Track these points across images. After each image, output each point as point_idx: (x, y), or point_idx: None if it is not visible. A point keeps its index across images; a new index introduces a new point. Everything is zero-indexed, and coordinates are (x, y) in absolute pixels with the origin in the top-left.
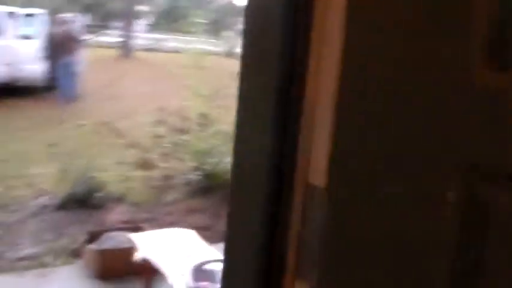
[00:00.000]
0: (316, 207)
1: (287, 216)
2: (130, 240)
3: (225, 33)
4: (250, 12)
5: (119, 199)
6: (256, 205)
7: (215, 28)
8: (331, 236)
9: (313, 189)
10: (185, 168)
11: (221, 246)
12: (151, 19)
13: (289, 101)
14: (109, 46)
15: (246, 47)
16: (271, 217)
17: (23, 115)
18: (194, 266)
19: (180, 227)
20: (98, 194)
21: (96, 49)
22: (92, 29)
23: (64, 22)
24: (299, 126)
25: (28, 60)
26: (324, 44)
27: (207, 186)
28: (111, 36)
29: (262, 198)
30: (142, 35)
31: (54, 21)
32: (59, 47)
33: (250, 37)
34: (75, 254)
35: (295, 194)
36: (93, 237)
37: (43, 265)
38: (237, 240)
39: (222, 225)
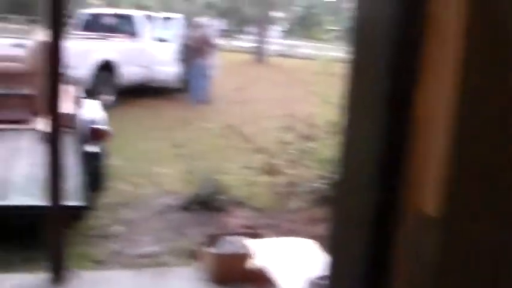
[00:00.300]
0: (428, 239)
1: (394, 248)
2: (248, 246)
3: None
4: (359, 22)
5: (242, 203)
6: (359, 238)
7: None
8: (445, 274)
9: (425, 218)
10: (310, 176)
11: None
12: (285, 25)
13: (400, 120)
14: (243, 51)
15: (355, 61)
16: (376, 250)
17: (154, 115)
18: (311, 279)
19: (301, 235)
20: (221, 197)
21: (230, 53)
22: (226, 33)
23: (200, 26)
24: (411, 147)
25: (163, 62)
26: (437, 61)
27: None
28: (246, 41)
29: (367, 228)
30: (276, 41)
31: (190, 25)
32: (194, 50)
33: (359, 49)
34: (194, 255)
35: (403, 223)
36: (212, 240)
37: (161, 264)
38: (341, 268)
39: None
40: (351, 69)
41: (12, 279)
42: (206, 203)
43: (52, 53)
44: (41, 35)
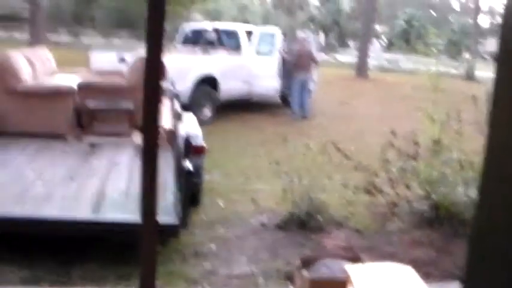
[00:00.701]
0: None
1: None
2: (345, 271)
3: (464, 55)
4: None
5: (340, 223)
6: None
7: (453, 49)
8: None
9: None
10: (412, 196)
11: (441, 285)
12: (387, 39)
13: None
14: (344, 65)
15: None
16: None
17: (254, 130)
18: None
19: (401, 259)
20: (319, 217)
21: (331, 68)
22: (328, 47)
23: (301, 40)
24: None
25: (264, 77)
26: None
27: (434, 217)
28: (347, 56)
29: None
30: (377, 55)
31: (291, 40)
32: (295, 65)
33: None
34: (288, 277)
35: None
36: (308, 262)
37: (255, 285)
38: None
39: (447, 262)
40: (498, 86)
41: None
42: (303, 222)
43: (150, 68)
44: (142, 50)
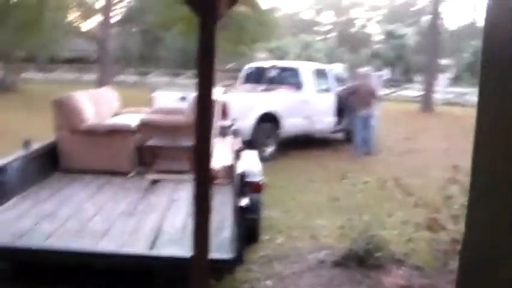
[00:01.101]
0: None
1: None
2: None
3: None
4: None
5: (400, 261)
6: None
7: None
8: None
9: None
10: None
11: None
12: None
13: None
14: (409, 100)
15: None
16: None
17: (315, 167)
18: None
19: None
20: (378, 254)
21: (396, 103)
22: (393, 82)
23: (363, 76)
24: None
25: (326, 113)
26: None
27: None
28: (412, 90)
29: None
30: (443, 89)
31: (354, 76)
32: (358, 101)
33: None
34: None
35: None
36: None
37: None
38: None
39: None
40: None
41: None
42: (362, 260)
43: (201, 107)
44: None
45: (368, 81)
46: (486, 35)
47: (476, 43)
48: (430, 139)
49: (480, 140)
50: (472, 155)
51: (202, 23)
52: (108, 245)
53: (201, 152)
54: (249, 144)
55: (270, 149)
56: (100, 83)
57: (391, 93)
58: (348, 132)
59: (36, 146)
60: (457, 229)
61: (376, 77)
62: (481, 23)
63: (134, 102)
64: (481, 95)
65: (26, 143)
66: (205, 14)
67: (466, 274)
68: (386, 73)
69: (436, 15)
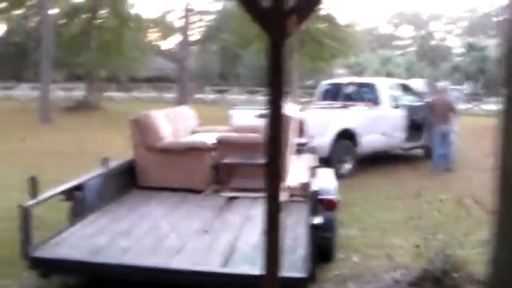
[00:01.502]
0: None
1: None
2: None
3: None
4: None
5: (478, 282)
6: None
7: None
8: None
9: None
10: None
11: None
12: None
13: None
14: (491, 114)
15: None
16: None
17: (393, 184)
18: None
19: None
20: (455, 274)
21: (477, 117)
22: (474, 96)
23: (442, 90)
24: None
25: (404, 129)
26: None
27: None
28: (494, 104)
29: None
30: None
31: (432, 90)
32: (436, 116)
33: None
34: None
35: None
36: None
37: None
38: None
39: None
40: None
41: None
42: (438, 280)
43: (272, 124)
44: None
45: (446, 96)
46: None
47: None
48: None
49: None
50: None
51: (271, 42)
52: (182, 262)
53: (272, 170)
54: (326, 161)
55: (347, 166)
56: (179, 101)
57: (473, 107)
58: (427, 148)
59: (114, 163)
60: None
61: (456, 91)
62: None
63: (212, 120)
64: None
65: (104, 161)
66: (273, 33)
67: None
68: (466, 87)
69: None
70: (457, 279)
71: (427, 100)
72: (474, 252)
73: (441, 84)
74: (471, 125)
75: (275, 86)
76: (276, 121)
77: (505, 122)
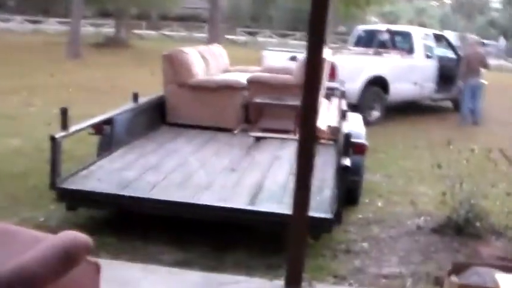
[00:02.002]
0: None
1: None
2: (496, 281)
3: None
4: None
5: (499, 233)
6: None
7: None
8: None
9: None
10: None
11: None
12: None
13: None
14: None
15: None
16: None
17: (420, 133)
18: None
19: None
20: (478, 224)
21: (509, 74)
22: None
23: (474, 44)
24: None
25: (435, 80)
26: None
27: None
28: None
29: None
30: None
31: (465, 43)
32: (467, 69)
33: None
34: (437, 282)
35: None
36: (458, 268)
37: (402, 287)
38: None
39: None
40: None
41: (250, 282)
42: (460, 228)
43: (311, 67)
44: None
45: (479, 50)
46: None
47: None
48: None
49: None
50: None
51: None
52: (209, 198)
53: (308, 112)
54: (355, 107)
55: (376, 113)
56: (210, 41)
57: (506, 64)
58: (456, 100)
59: (144, 99)
60: None
61: (490, 47)
62: None
63: (243, 62)
64: None
65: (134, 97)
66: None
67: None
68: (501, 43)
69: None
70: (479, 228)
71: (460, 53)
72: (498, 204)
73: (473, 37)
74: (502, 80)
75: (317, 29)
76: (316, 64)
77: None
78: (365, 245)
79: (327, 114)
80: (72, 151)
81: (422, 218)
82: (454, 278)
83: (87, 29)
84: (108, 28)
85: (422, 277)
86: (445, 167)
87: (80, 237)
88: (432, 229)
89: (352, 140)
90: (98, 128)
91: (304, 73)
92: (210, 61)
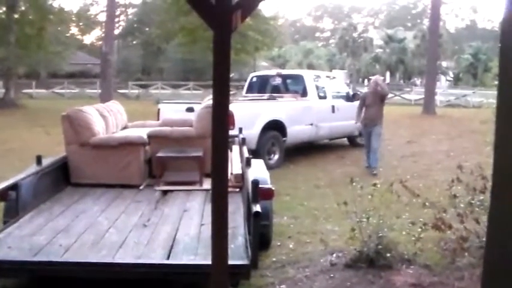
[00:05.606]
0: None
1: None
2: None
3: None
4: None
5: (409, 260)
6: None
7: None
8: None
9: None
10: (481, 231)
11: None
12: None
13: None
14: (411, 103)
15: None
16: None
17: (321, 173)
18: None
19: None
20: (388, 254)
21: (398, 106)
22: (393, 86)
23: (372, 81)
24: None
25: (330, 119)
26: None
27: None
28: (413, 94)
29: None
30: (444, 91)
31: (358, 81)
32: (366, 105)
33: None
34: None
35: None
36: None
37: None
38: None
39: None
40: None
41: None
42: (372, 261)
43: (217, 115)
44: (208, 99)
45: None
46: (504, 36)
47: (476, 44)
48: (432, 141)
49: (503, 136)
50: (494, 152)
51: (217, 37)
52: (124, 256)
53: (218, 161)
54: (254, 152)
55: (276, 157)
56: (103, 96)
57: (392, 97)
58: (351, 137)
59: (46, 161)
60: (463, 227)
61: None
62: (480, 24)
63: (138, 115)
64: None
65: (38, 159)
66: (220, 28)
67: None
68: (386, 77)
69: (435, 18)
70: (389, 259)
71: (351, 91)
72: (404, 233)
73: (372, 75)
74: (392, 113)
75: (221, 79)
76: (223, 113)
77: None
78: (283, 287)
79: (230, 162)
80: None
81: (334, 255)
82: None
83: None
84: None
85: None
86: (349, 203)
87: None
88: (345, 264)
89: (260, 186)
90: (2, 194)
91: (212, 123)
92: (109, 118)
